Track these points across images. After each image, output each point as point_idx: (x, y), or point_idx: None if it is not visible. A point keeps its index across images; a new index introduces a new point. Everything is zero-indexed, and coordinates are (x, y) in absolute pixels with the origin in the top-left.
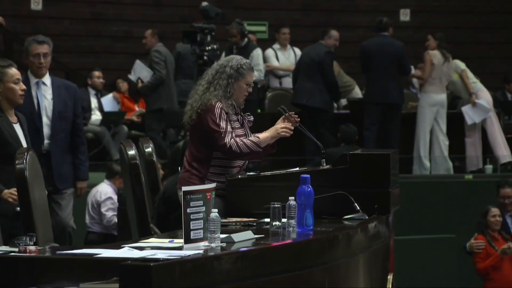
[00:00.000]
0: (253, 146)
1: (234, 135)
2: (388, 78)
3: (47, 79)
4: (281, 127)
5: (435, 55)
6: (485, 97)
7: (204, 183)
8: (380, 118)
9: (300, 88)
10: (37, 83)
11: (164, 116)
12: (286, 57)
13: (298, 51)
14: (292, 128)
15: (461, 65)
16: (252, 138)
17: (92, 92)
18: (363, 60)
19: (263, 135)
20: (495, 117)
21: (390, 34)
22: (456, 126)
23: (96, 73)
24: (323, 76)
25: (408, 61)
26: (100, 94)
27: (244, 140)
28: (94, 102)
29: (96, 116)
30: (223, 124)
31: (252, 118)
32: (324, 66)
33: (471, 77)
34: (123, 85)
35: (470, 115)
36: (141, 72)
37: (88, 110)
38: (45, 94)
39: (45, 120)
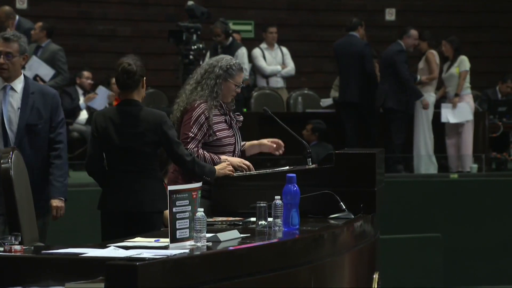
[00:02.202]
0: (211, 164)
1: (201, 145)
2: (350, 77)
3: (18, 83)
4: (244, 163)
5: (436, 54)
6: (468, 103)
7: (190, 182)
8: (353, 118)
9: (378, 90)
10: (5, 88)
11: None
12: (273, 57)
13: (285, 50)
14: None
15: (467, 65)
16: (215, 157)
17: (80, 91)
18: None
19: (224, 158)
20: (472, 126)
21: (360, 34)
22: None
23: (85, 73)
24: (395, 75)
25: (372, 60)
26: (87, 93)
27: (206, 155)
28: (81, 101)
29: (83, 115)
30: (195, 129)
31: (241, 118)
32: (396, 65)
33: (467, 81)
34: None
35: (446, 113)
36: (38, 69)
37: (79, 109)
38: (12, 102)
39: (10, 134)
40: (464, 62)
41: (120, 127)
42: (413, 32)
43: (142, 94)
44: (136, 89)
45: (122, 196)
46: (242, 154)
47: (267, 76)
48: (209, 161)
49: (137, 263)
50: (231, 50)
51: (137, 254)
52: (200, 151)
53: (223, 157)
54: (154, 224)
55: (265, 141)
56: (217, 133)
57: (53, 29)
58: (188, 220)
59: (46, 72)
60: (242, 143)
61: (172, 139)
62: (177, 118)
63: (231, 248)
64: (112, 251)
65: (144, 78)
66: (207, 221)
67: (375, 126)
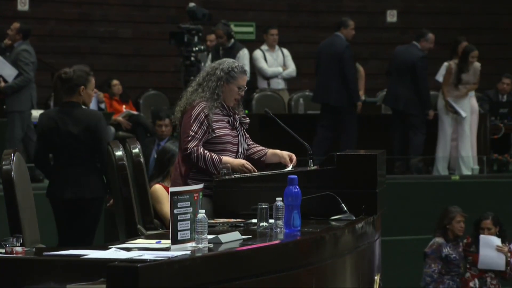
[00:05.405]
0: (211, 164)
1: (202, 143)
2: (329, 79)
3: None
4: (246, 165)
5: None
6: (473, 105)
7: (187, 183)
8: (329, 119)
9: (392, 91)
10: None
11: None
12: (274, 58)
13: (286, 52)
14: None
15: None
16: (216, 156)
17: None
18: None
19: (226, 159)
20: (476, 127)
21: (345, 34)
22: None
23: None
24: (414, 81)
25: (351, 63)
26: None
27: (207, 154)
28: None
29: None
30: (195, 127)
31: (247, 120)
32: (417, 71)
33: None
34: (116, 87)
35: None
36: (3, 69)
37: None
38: None
39: None
40: (478, 69)
41: (63, 126)
42: (431, 36)
43: (81, 99)
44: (75, 95)
45: (67, 186)
46: (259, 162)
47: (268, 78)
48: (210, 161)
49: (138, 265)
50: (232, 51)
51: (138, 256)
52: (201, 149)
53: (224, 158)
54: (95, 210)
55: (286, 154)
56: (216, 131)
57: (29, 30)
58: (189, 222)
59: (10, 72)
60: (264, 150)
61: (104, 137)
62: (178, 119)
63: (232, 249)
64: (113, 252)
65: (82, 87)
66: (209, 223)
67: (345, 130)
